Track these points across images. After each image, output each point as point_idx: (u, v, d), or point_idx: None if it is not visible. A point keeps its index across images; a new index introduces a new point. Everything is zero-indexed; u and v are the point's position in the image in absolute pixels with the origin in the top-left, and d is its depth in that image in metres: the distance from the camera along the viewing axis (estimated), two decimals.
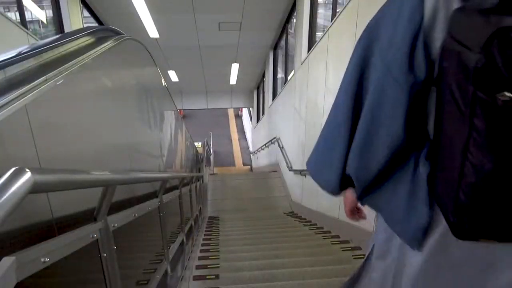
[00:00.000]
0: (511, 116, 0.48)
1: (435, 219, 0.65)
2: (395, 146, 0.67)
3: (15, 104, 0.91)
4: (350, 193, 0.80)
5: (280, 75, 9.19)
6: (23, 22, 4.35)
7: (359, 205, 0.82)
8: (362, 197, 0.77)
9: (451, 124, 0.57)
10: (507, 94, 0.48)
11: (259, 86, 12.84)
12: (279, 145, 7.81)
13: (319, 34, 5.67)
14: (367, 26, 0.73)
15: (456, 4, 0.59)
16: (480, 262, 0.61)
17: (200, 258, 3.31)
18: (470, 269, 0.62)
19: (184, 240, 3.20)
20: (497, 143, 0.50)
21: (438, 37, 0.62)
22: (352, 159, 0.72)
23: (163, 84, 3.94)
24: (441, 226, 0.64)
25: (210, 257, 3.31)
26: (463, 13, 0.56)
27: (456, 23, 0.56)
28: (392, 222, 0.72)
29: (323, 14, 5.87)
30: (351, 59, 0.75)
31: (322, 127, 0.81)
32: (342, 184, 0.77)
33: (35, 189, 0.59)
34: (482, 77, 0.50)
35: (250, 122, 16.62)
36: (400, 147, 0.66)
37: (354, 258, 3.03)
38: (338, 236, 3.90)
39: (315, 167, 0.85)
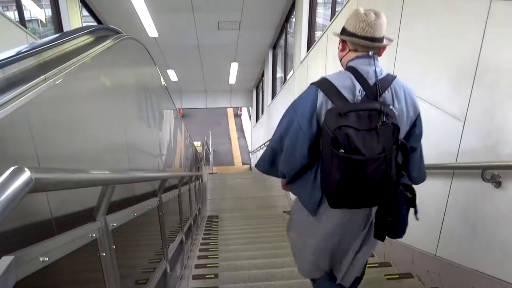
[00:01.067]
0: (343, 159, 1.21)
1: (323, 199, 1.40)
2: (303, 162, 1.39)
3: (14, 103, 0.91)
4: (283, 180, 1.57)
5: (280, 74, 9.18)
6: (22, 21, 4.34)
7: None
8: (288, 183, 1.53)
9: (326, 157, 1.30)
10: (341, 151, 1.21)
11: (259, 86, 12.83)
12: None
13: (318, 34, 5.67)
14: (293, 103, 1.43)
15: (330, 105, 1.32)
16: (341, 216, 1.42)
17: (199, 257, 3.31)
18: (338, 220, 1.43)
19: (184, 239, 3.20)
20: (340, 168, 1.23)
21: (322, 117, 1.32)
22: (282, 165, 1.46)
23: (162, 84, 3.94)
24: (325, 202, 1.38)
25: (209, 256, 3.32)
26: (331, 112, 1.28)
27: (327, 116, 1.29)
28: (304, 202, 1.48)
29: (322, 13, 5.87)
30: (284, 116, 1.44)
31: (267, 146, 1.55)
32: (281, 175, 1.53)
33: (34, 188, 0.59)
34: (333, 143, 1.22)
35: (250, 121, 16.61)
36: (305, 163, 1.39)
37: None
38: None
39: (264, 167, 1.59)
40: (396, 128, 1.25)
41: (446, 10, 2.13)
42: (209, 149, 12.50)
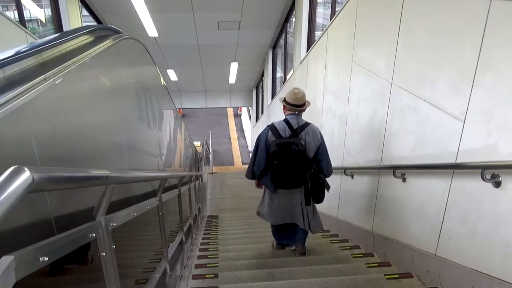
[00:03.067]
0: (276, 165, 2.82)
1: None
2: (263, 166, 2.91)
3: (14, 103, 0.91)
4: (256, 180, 3.11)
5: (279, 74, 9.18)
6: (22, 20, 4.34)
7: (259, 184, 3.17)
8: (259, 179, 3.03)
9: (270, 164, 2.88)
10: (275, 162, 2.80)
11: (258, 85, 12.83)
12: None
13: (318, 33, 5.66)
14: (259, 135, 2.97)
15: (273, 138, 2.85)
16: (283, 194, 2.96)
17: (199, 257, 3.31)
18: (282, 196, 2.97)
19: (183, 239, 3.20)
20: (275, 170, 2.85)
21: (271, 144, 2.85)
22: (256, 168, 2.95)
23: (162, 83, 3.94)
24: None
25: (209, 256, 3.31)
26: (272, 142, 2.83)
27: (270, 144, 2.84)
28: (267, 187, 3.02)
29: (322, 13, 5.87)
30: (255, 143, 2.99)
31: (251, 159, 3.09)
32: (254, 177, 3.02)
33: (34, 188, 0.59)
34: (272, 158, 2.82)
35: (250, 121, 16.60)
36: (265, 166, 2.91)
37: (353, 257, 3.03)
38: (337, 235, 3.91)
39: (248, 175, 3.08)
40: (300, 151, 2.71)
41: (446, 9, 2.13)
42: (209, 149, 12.49)
